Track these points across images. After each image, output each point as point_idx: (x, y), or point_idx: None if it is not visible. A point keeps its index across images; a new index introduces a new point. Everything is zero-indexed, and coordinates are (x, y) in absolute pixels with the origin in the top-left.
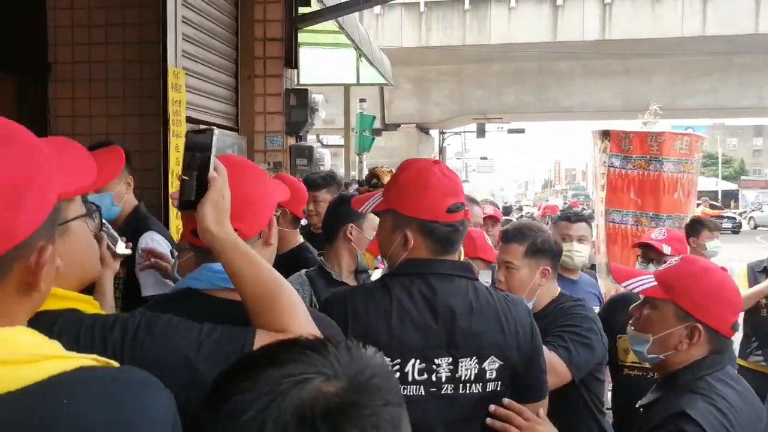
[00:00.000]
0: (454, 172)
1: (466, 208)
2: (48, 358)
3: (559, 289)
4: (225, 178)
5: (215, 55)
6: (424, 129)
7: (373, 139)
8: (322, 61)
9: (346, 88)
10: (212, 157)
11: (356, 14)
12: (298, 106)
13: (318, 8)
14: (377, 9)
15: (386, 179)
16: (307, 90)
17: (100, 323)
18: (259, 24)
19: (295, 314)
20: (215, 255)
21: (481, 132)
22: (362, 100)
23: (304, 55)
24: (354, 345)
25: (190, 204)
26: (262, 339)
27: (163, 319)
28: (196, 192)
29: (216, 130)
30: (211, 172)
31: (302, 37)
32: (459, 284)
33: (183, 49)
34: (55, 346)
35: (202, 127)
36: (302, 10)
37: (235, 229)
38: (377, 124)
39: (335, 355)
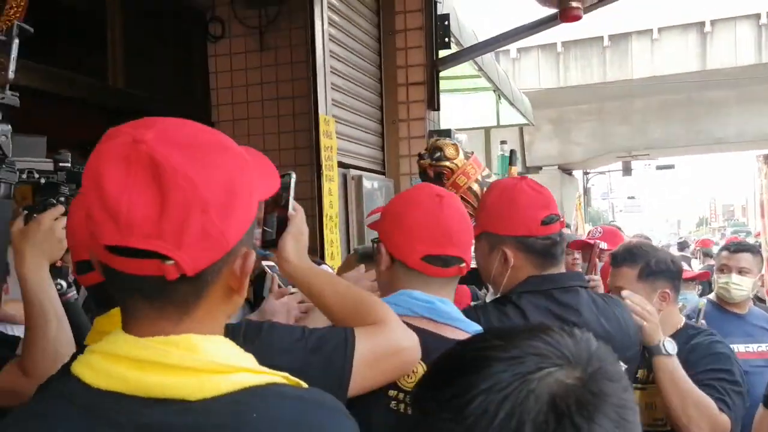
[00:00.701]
0: (543, 186)
1: (562, 218)
2: (241, 371)
3: (683, 318)
4: (303, 217)
5: (362, 102)
6: (566, 170)
7: None
8: (462, 106)
9: (487, 131)
10: (291, 199)
11: (493, 58)
12: None
13: (457, 50)
14: (513, 53)
15: (449, 151)
16: (450, 130)
17: None
18: (401, 70)
19: (380, 307)
20: (297, 285)
21: (626, 170)
22: (503, 142)
23: (445, 101)
24: (571, 330)
25: (272, 242)
26: (361, 333)
27: (263, 324)
28: (277, 230)
29: (293, 174)
30: (290, 211)
31: (443, 84)
32: (582, 295)
33: (332, 98)
34: (249, 359)
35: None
36: (442, 53)
37: None
38: (518, 168)
39: (560, 342)
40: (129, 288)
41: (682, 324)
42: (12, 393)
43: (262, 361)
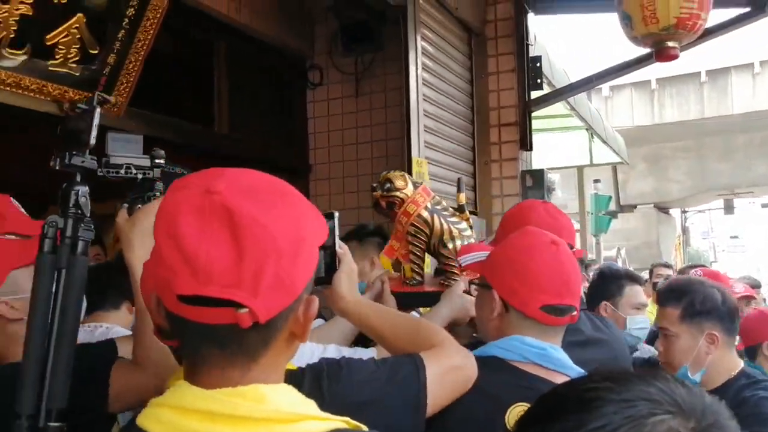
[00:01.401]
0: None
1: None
2: (308, 418)
3: (741, 363)
4: (349, 254)
5: (454, 143)
6: (662, 209)
7: (610, 219)
8: (554, 146)
9: (580, 170)
10: (337, 238)
11: (585, 96)
12: (535, 187)
13: (549, 90)
14: (606, 92)
15: (398, 183)
16: (543, 170)
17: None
18: (494, 111)
19: (435, 331)
20: (350, 319)
21: (728, 209)
22: (596, 181)
23: (537, 140)
24: (683, 380)
25: (322, 280)
26: (426, 357)
27: (339, 360)
28: (326, 269)
29: (337, 213)
30: (339, 250)
31: (534, 123)
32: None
33: (425, 140)
34: (312, 406)
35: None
36: (534, 94)
37: None
38: (612, 206)
39: (673, 390)
40: (200, 337)
41: (738, 371)
42: (133, 390)
43: (349, 395)
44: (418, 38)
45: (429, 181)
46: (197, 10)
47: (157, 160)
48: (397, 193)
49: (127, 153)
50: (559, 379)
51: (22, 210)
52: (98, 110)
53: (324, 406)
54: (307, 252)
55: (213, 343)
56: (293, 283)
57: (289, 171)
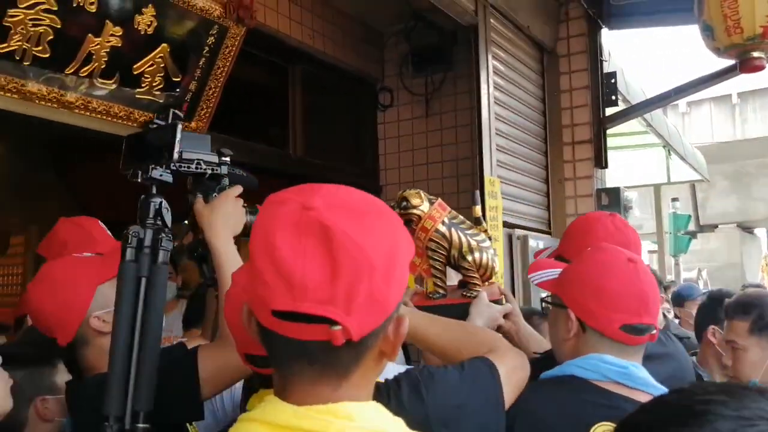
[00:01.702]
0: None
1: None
2: None
3: None
4: None
5: (526, 162)
6: (746, 228)
7: (690, 239)
8: (629, 164)
9: (656, 188)
10: None
11: (662, 112)
12: (611, 206)
13: (624, 107)
14: (683, 107)
15: (414, 200)
16: (619, 189)
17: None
18: (567, 129)
19: (491, 335)
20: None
21: None
22: (674, 200)
23: (611, 158)
24: None
25: None
26: (495, 359)
27: (424, 369)
28: None
29: None
30: None
31: (608, 140)
32: None
33: (497, 159)
34: (400, 424)
35: None
36: (609, 110)
37: None
38: (691, 226)
39: None
40: (292, 352)
41: None
42: (222, 368)
43: (447, 399)
44: (490, 57)
45: (502, 200)
46: (273, 37)
47: (224, 158)
48: (414, 210)
49: (197, 150)
50: (642, 398)
51: (108, 232)
52: (180, 125)
53: (429, 410)
54: (399, 270)
55: (305, 359)
56: (386, 301)
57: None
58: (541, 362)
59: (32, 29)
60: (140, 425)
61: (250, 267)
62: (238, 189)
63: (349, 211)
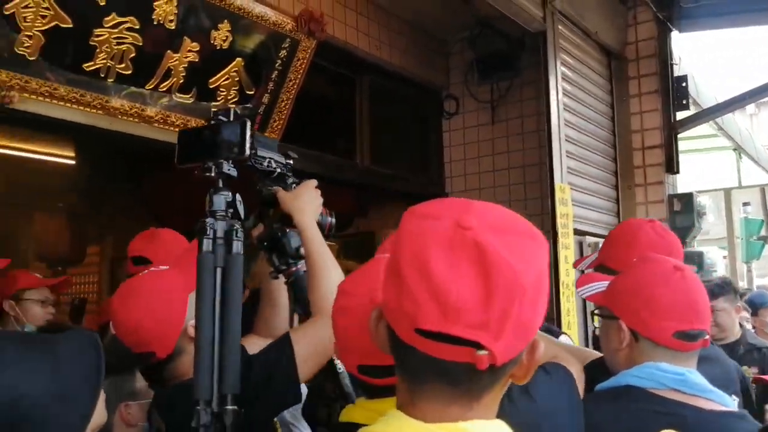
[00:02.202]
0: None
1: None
2: None
3: None
4: None
5: (596, 168)
6: None
7: (764, 245)
8: (698, 168)
9: (727, 192)
10: None
11: (731, 114)
12: (683, 212)
13: (695, 111)
14: (751, 109)
15: None
16: (691, 194)
17: None
18: (636, 134)
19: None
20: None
21: None
22: (745, 204)
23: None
24: None
25: None
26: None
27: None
28: None
29: None
30: None
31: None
32: None
33: (567, 166)
34: None
35: None
36: (680, 114)
37: None
38: (763, 231)
39: None
40: (429, 370)
41: None
42: (317, 346)
43: (552, 401)
44: (558, 63)
45: (572, 207)
46: (341, 48)
47: (289, 160)
48: None
49: (267, 150)
50: (701, 404)
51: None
52: (248, 122)
53: (538, 409)
54: (544, 295)
55: (444, 379)
56: (531, 327)
57: (426, 200)
58: (589, 372)
59: (116, 47)
60: (229, 407)
61: (394, 280)
62: (315, 181)
63: (504, 232)
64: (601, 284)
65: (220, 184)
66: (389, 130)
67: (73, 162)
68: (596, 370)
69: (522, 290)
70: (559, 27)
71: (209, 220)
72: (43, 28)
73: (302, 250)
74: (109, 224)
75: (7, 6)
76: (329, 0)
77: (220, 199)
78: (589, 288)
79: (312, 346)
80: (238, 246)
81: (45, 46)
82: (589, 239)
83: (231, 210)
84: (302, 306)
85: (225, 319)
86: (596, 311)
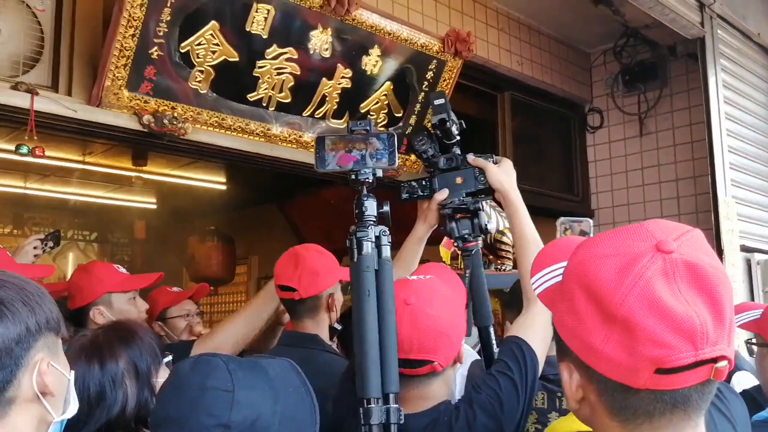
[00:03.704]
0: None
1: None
2: None
3: None
4: None
5: (764, 180)
6: None
7: None
8: None
9: None
10: None
11: None
12: None
13: None
14: None
15: None
16: None
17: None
18: None
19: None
20: None
21: None
22: None
23: None
24: None
25: None
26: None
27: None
28: None
29: None
30: None
31: None
32: None
33: (732, 179)
34: None
35: None
36: None
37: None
38: None
39: None
40: (663, 405)
41: None
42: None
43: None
44: (718, 69)
45: (737, 223)
46: (484, 66)
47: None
48: None
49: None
50: None
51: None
52: (395, 135)
53: None
54: None
55: (677, 408)
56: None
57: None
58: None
59: (276, 77)
60: (392, 405)
61: (618, 335)
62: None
63: (693, 242)
64: (754, 312)
65: (365, 191)
66: (532, 146)
67: (224, 186)
68: (754, 399)
69: (731, 290)
70: (719, 31)
71: (362, 225)
72: (214, 63)
73: (490, 227)
74: (255, 245)
75: (182, 45)
76: (472, 19)
77: (372, 205)
78: (743, 316)
79: (545, 342)
80: (386, 251)
81: (215, 79)
82: (759, 256)
83: (382, 218)
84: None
85: (382, 320)
86: (751, 339)
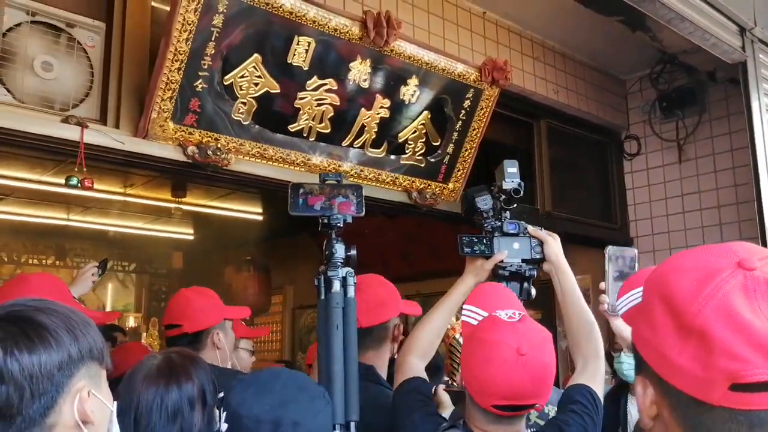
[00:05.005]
0: None
1: None
2: None
3: None
4: None
5: None
6: None
7: None
8: None
9: None
10: None
11: None
12: None
13: None
14: None
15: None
16: None
17: None
18: None
19: None
20: None
21: None
22: None
23: None
24: None
25: None
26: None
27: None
28: None
29: None
30: None
31: None
32: None
33: None
34: None
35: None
36: None
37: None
38: None
39: None
40: (745, 424)
41: None
42: None
43: None
44: (761, 94)
45: None
46: (519, 95)
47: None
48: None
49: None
50: None
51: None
52: (362, 186)
53: None
54: None
55: (750, 430)
56: None
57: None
58: None
59: (317, 108)
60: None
61: (693, 343)
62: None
63: None
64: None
65: (334, 236)
66: (569, 175)
67: (260, 217)
68: None
69: None
70: (760, 55)
71: (330, 267)
72: (256, 95)
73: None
74: (289, 275)
75: (226, 77)
76: (507, 48)
77: (341, 248)
78: None
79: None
80: (351, 291)
81: (257, 111)
82: None
83: (347, 260)
84: None
85: (347, 352)
86: None
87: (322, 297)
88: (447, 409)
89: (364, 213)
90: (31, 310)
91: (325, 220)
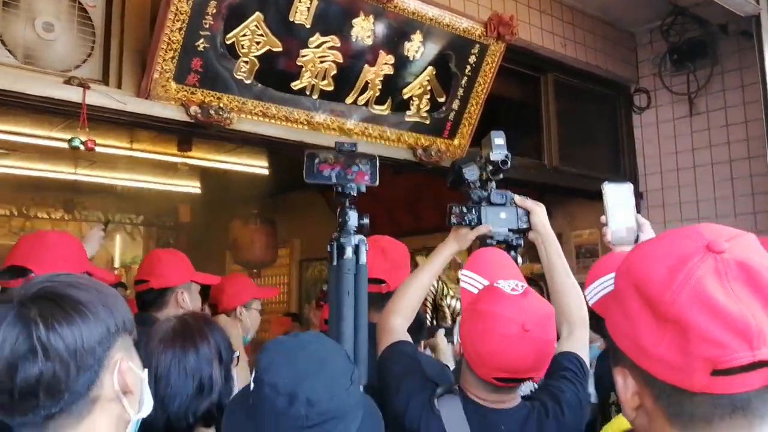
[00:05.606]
0: None
1: None
2: None
3: None
4: None
5: None
6: None
7: None
8: None
9: None
10: None
11: None
12: None
13: None
14: None
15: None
16: None
17: None
18: None
19: None
20: None
21: None
22: None
23: None
24: None
25: None
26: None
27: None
28: None
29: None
30: None
31: None
32: None
33: None
34: None
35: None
36: None
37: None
38: None
39: None
40: (722, 410)
41: None
42: None
43: None
44: None
45: None
46: (526, 49)
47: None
48: None
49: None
50: None
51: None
52: (377, 157)
53: None
54: None
55: (737, 413)
56: None
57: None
58: None
59: (319, 66)
60: None
61: (669, 333)
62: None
63: (745, 244)
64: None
65: (347, 204)
66: (577, 129)
67: (267, 171)
68: None
69: None
70: None
71: (348, 231)
72: (258, 53)
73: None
74: (296, 228)
75: (228, 36)
76: (513, 2)
77: (354, 216)
78: None
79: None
80: (363, 258)
81: (259, 69)
82: None
83: (359, 228)
84: None
85: (358, 317)
86: None
87: (335, 263)
88: (443, 354)
89: (378, 183)
90: (63, 286)
91: (339, 189)
